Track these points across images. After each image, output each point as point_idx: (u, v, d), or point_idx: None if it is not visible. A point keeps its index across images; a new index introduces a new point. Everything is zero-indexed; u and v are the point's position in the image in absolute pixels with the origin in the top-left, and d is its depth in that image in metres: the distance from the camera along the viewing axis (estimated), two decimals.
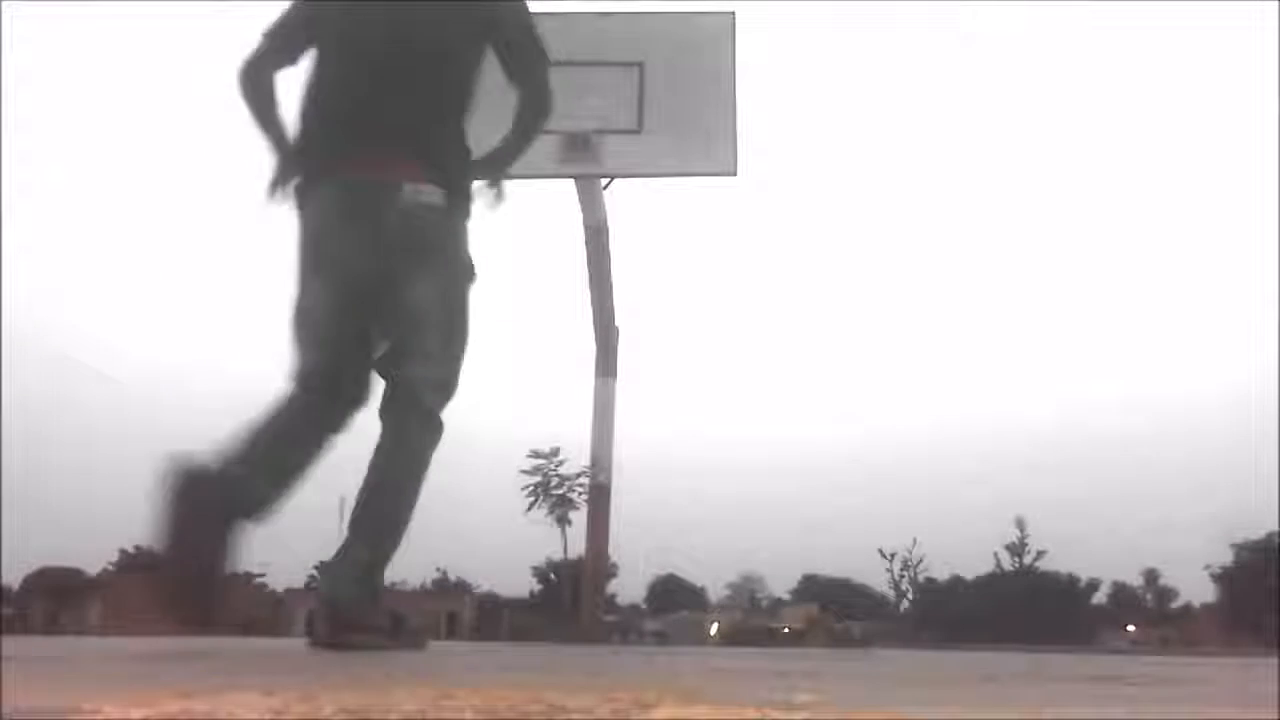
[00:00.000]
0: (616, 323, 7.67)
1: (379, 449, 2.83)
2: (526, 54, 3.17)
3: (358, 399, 2.91)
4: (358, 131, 2.88)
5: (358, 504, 2.80)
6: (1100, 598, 60.90)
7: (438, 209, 2.86)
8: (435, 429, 2.88)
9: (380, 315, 2.89)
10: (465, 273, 2.95)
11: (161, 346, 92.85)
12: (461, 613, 43.15)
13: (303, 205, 2.92)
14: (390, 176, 2.82)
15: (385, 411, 2.87)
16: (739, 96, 6.44)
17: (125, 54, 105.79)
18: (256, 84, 3.03)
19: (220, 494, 2.60)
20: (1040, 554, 58.08)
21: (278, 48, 3.05)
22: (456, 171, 2.96)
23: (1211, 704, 1.19)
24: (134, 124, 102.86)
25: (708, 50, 6.52)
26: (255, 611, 36.89)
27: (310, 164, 2.91)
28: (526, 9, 3.24)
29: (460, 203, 2.94)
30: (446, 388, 2.91)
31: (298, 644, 3.16)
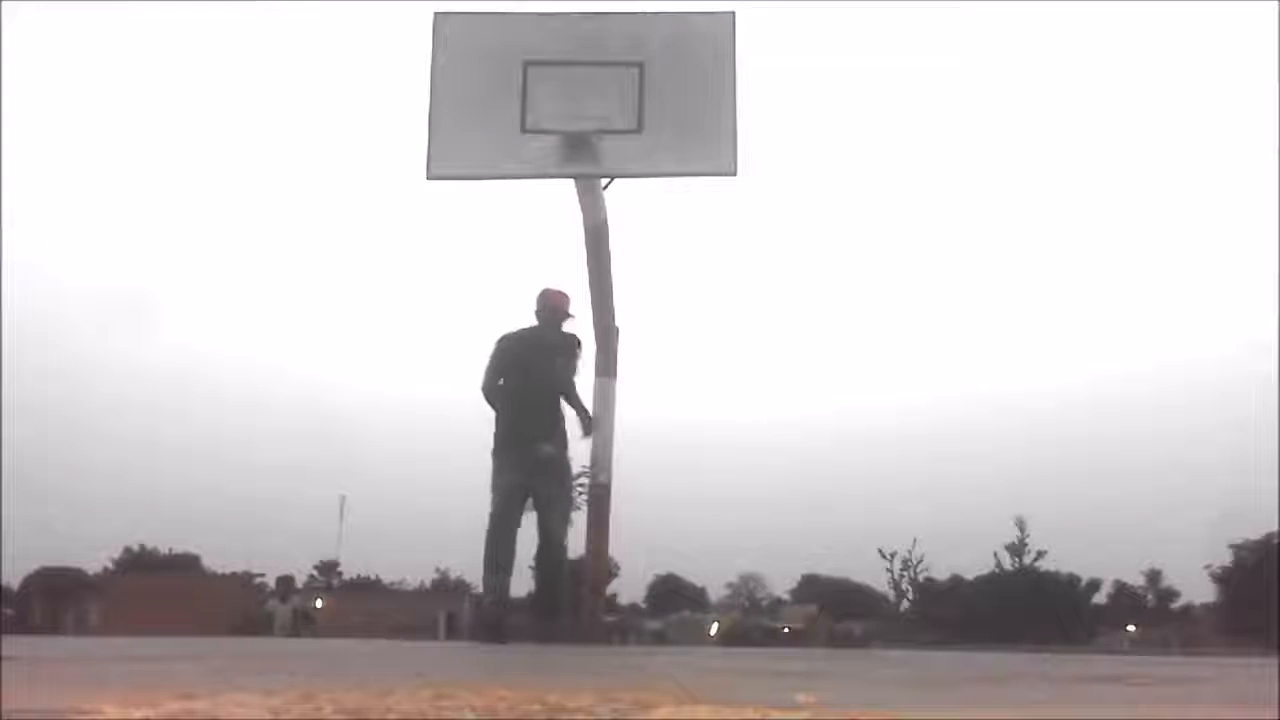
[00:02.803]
0: (616, 323, 7.67)
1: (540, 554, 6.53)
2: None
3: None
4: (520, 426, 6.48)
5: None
6: (1101, 598, 60.86)
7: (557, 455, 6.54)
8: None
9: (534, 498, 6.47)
10: (570, 473, 6.70)
11: (161, 346, 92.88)
12: (461, 613, 43.13)
13: (498, 461, 6.51)
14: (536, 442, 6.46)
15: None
16: (739, 96, 6.44)
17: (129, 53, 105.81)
18: (490, 398, 6.59)
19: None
20: (1040, 554, 58.03)
21: (490, 382, 6.61)
22: (561, 436, 6.57)
23: (1211, 704, 1.19)
24: (135, 123, 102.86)
25: (708, 50, 6.52)
26: (255, 612, 36.85)
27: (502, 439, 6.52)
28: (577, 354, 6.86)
29: (564, 446, 6.60)
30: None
31: (297, 644, 3.16)
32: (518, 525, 6.40)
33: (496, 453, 6.48)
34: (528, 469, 6.38)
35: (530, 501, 6.46)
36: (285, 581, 17.82)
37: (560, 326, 6.83)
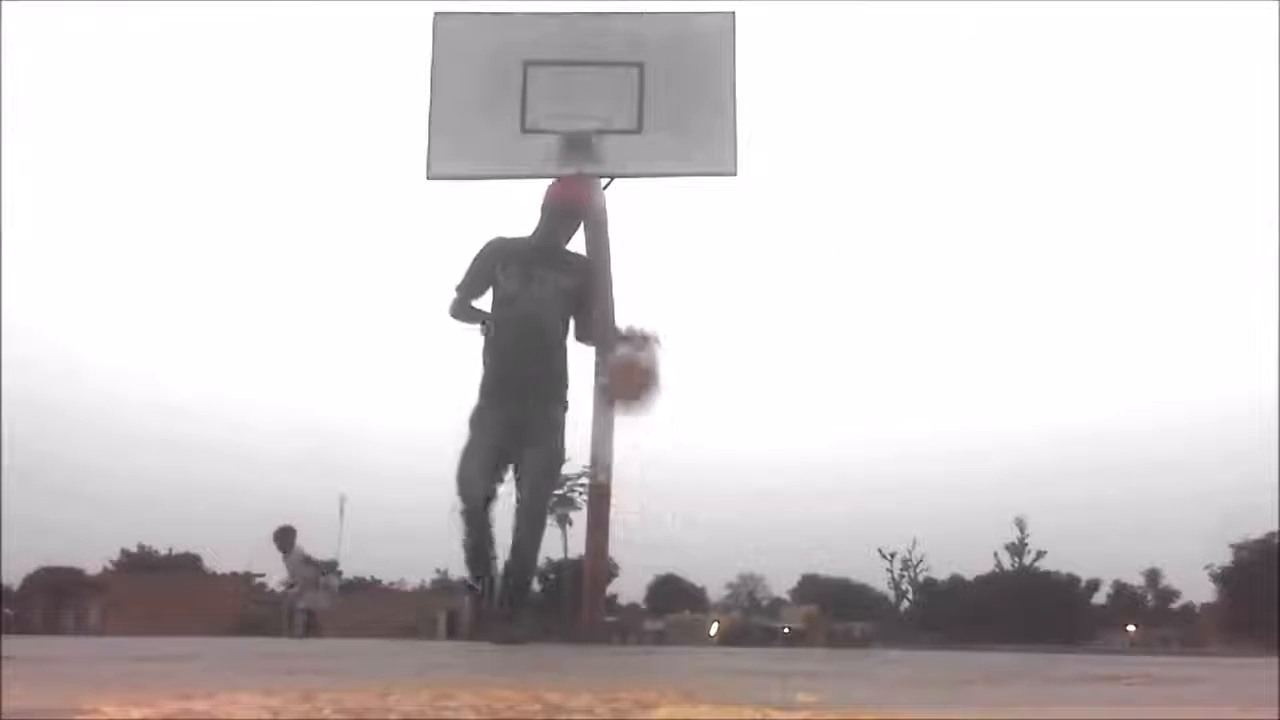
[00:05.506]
0: (617, 324, 7.66)
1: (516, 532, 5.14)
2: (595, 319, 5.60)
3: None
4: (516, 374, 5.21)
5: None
6: (1100, 598, 60.92)
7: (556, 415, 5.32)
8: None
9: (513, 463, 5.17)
10: (562, 448, 5.39)
11: (161, 348, 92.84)
12: (461, 613, 43.13)
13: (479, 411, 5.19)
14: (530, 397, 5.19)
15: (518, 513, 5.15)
16: (739, 96, 6.43)
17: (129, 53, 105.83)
18: (459, 313, 5.32)
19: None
20: (1040, 554, 58.08)
21: (463, 295, 5.32)
22: (559, 384, 5.37)
23: (1211, 704, 1.19)
24: (136, 123, 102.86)
25: (708, 50, 6.52)
26: (255, 612, 36.86)
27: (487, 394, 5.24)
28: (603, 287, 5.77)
29: (560, 398, 5.36)
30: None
31: (297, 644, 3.17)
32: (492, 498, 5.13)
33: (478, 407, 5.17)
34: (511, 427, 5.08)
35: (511, 471, 5.14)
36: (287, 534, 14.81)
37: (570, 229, 5.58)
